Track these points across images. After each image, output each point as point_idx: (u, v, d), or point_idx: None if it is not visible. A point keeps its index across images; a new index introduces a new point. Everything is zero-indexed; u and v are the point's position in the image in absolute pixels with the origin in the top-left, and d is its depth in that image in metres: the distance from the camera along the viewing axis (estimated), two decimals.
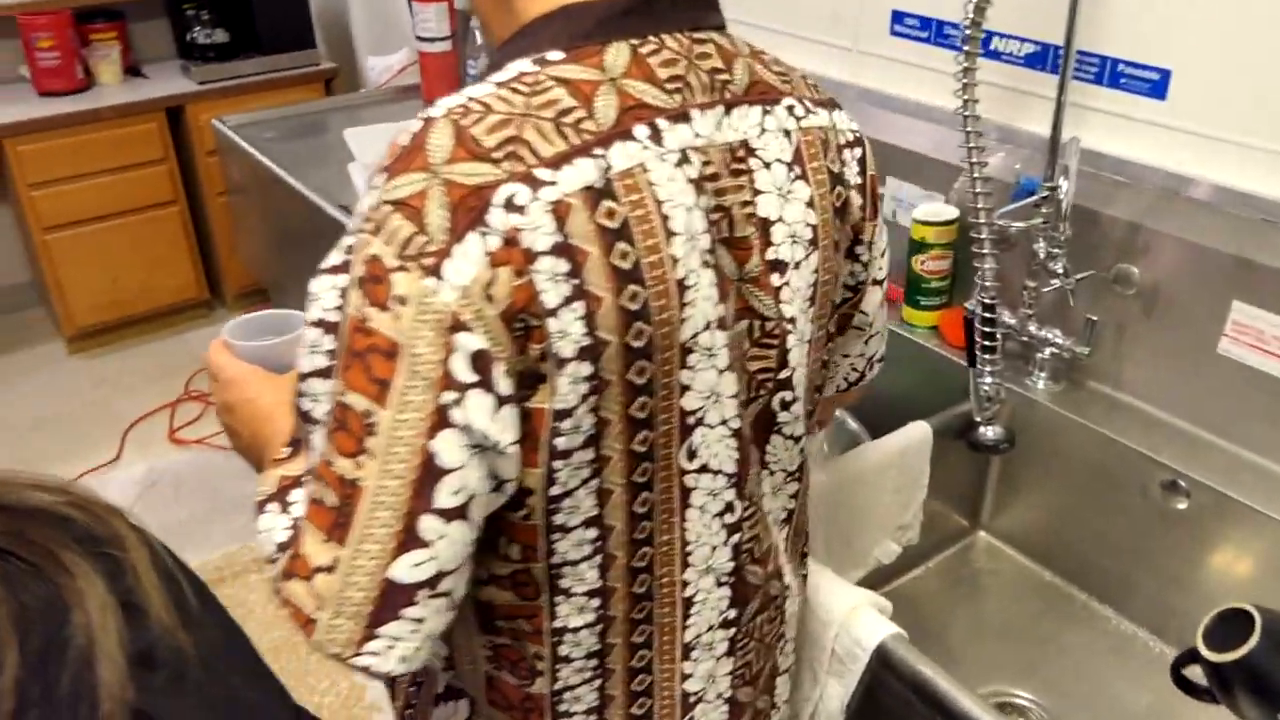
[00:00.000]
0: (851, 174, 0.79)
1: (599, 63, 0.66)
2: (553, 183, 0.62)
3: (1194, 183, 1.28)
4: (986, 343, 1.34)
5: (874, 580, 1.40)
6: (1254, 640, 0.83)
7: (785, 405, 0.79)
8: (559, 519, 0.69)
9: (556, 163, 0.62)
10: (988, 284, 1.32)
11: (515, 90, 0.65)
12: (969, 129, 1.29)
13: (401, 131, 0.65)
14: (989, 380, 1.36)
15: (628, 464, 0.70)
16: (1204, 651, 0.85)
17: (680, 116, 0.67)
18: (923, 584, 1.47)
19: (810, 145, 0.75)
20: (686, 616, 0.79)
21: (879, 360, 0.99)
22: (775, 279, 0.74)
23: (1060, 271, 1.31)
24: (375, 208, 0.62)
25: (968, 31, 1.26)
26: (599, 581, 0.73)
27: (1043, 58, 1.39)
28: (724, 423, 0.74)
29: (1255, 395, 1.25)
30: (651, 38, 0.68)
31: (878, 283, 0.87)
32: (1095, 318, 1.34)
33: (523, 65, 0.66)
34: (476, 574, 0.72)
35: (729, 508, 0.77)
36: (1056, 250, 1.31)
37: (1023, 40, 1.41)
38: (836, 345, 0.92)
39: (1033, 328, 1.39)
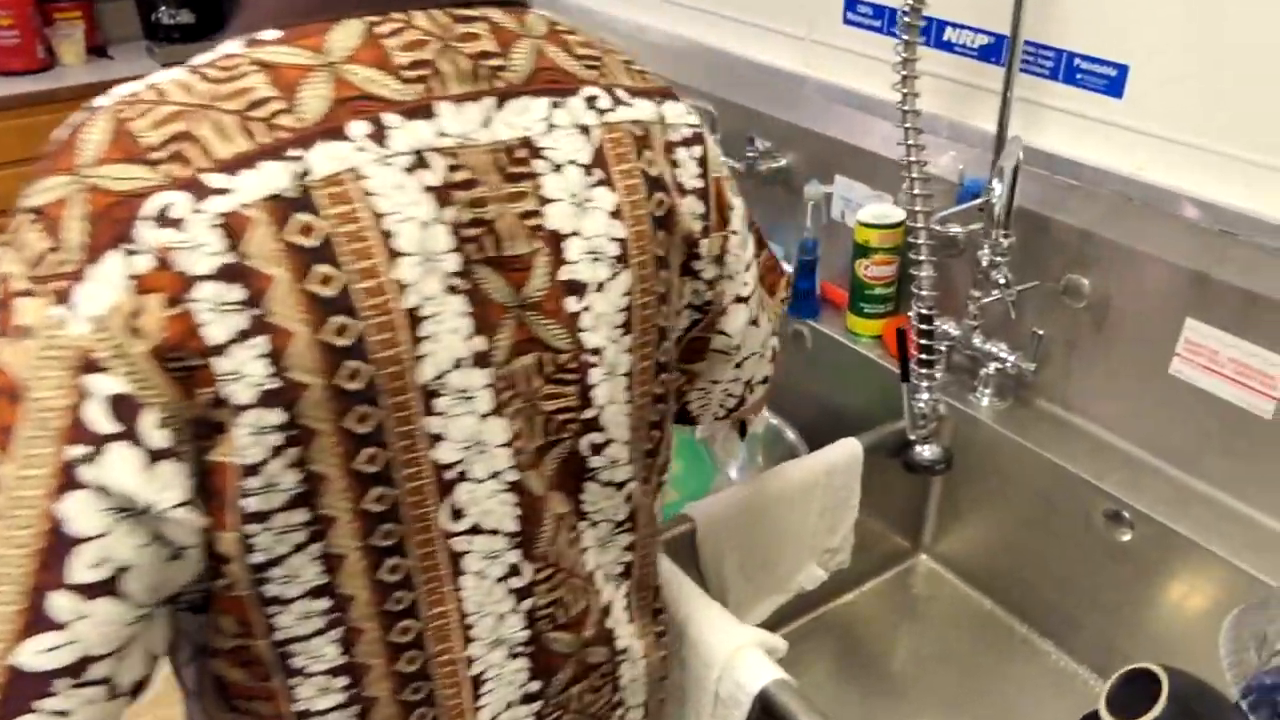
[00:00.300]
0: (686, 176, 0.68)
1: (319, 44, 0.55)
2: (226, 190, 0.51)
3: (1150, 188, 1.18)
4: (924, 356, 1.25)
5: (802, 604, 1.31)
6: (1159, 708, 0.73)
7: (596, 449, 0.68)
8: (271, 590, 0.59)
9: (234, 166, 0.51)
10: (924, 293, 1.22)
11: (204, 76, 0.54)
12: (908, 124, 1.20)
13: (65, 124, 0.55)
14: (925, 397, 1.26)
15: (361, 526, 0.59)
16: (1105, 717, 0.76)
17: (419, 111, 0.56)
18: (858, 608, 1.38)
19: (617, 144, 0.64)
20: (478, 696, 0.69)
21: (761, 383, 0.89)
22: (572, 303, 0.63)
23: (1001, 281, 1.21)
24: (14, 214, 0.52)
25: (907, 19, 1.16)
26: (343, 658, 0.63)
27: (997, 50, 1.29)
28: (496, 476, 0.63)
29: (1207, 420, 1.15)
30: (396, 15, 0.57)
31: (742, 300, 0.77)
32: (1041, 332, 1.24)
33: (232, 46, 0.56)
34: (206, 646, 0.63)
35: (514, 571, 0.67)
36: (999, 258, 1.21)
37: (976, 30, 1.31)
38: (702, 372, 0.82)
39: (977, 340, 1.29)
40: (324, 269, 0.53)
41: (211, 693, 0.65)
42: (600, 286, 0.63)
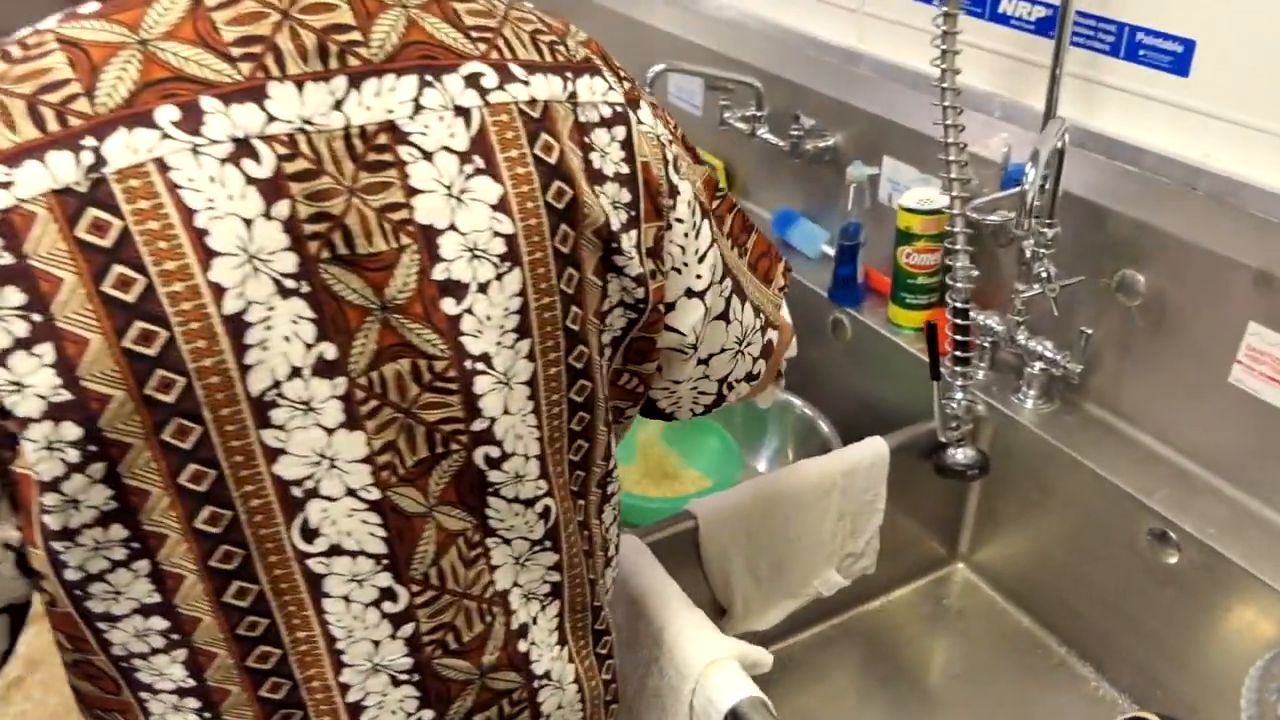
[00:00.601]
0: (605, 162, 0.60)
1: (136, 19, 0.50)
2: (4, 184, 0.47)
3: (1216, 177, 1.07)
4: (959, 353, 1.16)
5: (824, 607, 1.24)
6: None
7: (493, 463, 0.62)
8: (96, 606, 0.55)
9: (15, 157, 0.47)
10: (959, 284, 1.14)
11: (6, 55, 0.50)
12: (947, 103, 1.11)
13: None
14: (960, 396, 1.18)
15: (197, 545, 0.54)
16: None
17: (245, 94, 0.50)
18: (886, 616, 1.30)
19: (504, 128, 0.56)
20: None
21: (745, 380, 0.82)
22: (449, 305, 0.56)
23: (1043, 275, 1.12)
24: None
25: None
26: (191, 681, 0.59)
27: (1055, 23, 1.19)
28: (352, 494, 0.57)
29: (1268, 435, 1.04)
30: None
31: (696, 294, 0.70)
32: (1090, 331, 1.14)
33: (49, 20, 0.51)
34: (61, 657, 0.60)
35: (388, 595, 0.61)
36: (1042, 250, 1.12)
37: (1033, 2, 1.21)
38: (655, 373, 0.75)
39: (1021, 337, 1.20)
40: (123, 270, 0.48)
41: (79, 700, 0.63)
42: (484, 287, 0.57)
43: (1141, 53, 1.11)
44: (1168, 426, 1.14)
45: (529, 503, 0.64)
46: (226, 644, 0.58)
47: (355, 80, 0.53)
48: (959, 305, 1.14)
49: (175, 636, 0.57)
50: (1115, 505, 1.11)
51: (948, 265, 1.15)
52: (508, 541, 0.65)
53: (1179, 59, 1.08)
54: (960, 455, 1.20)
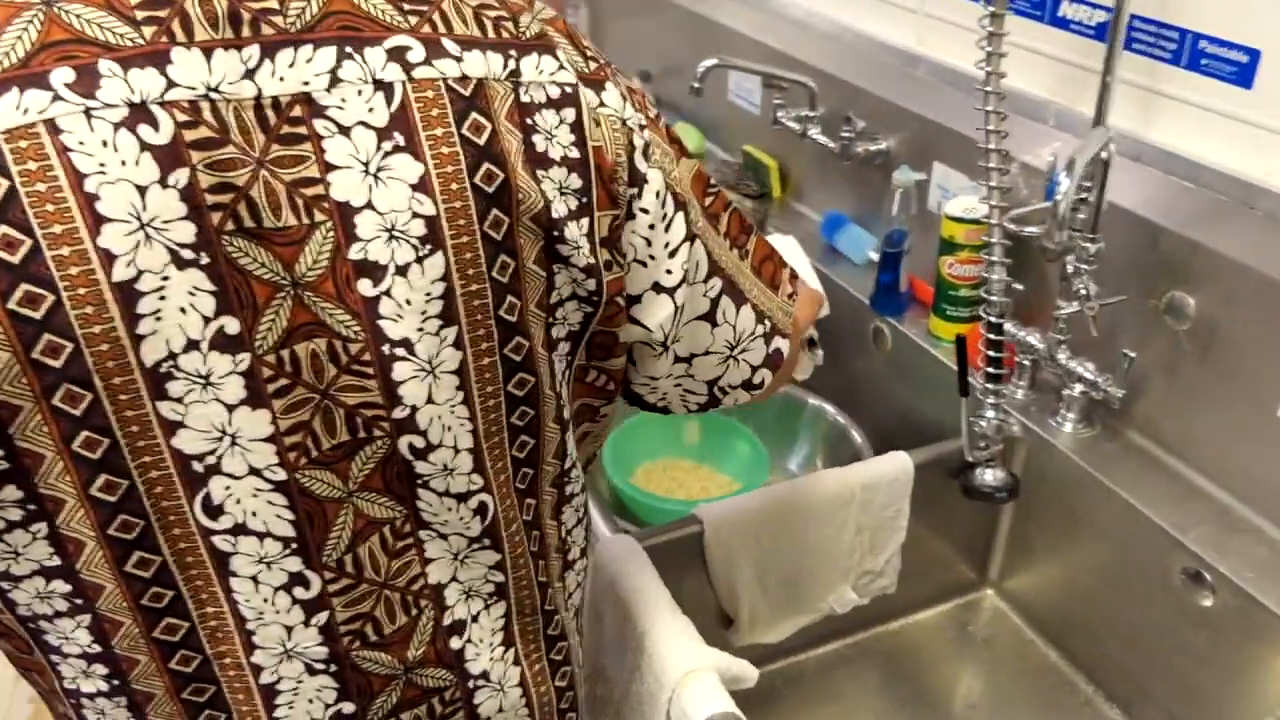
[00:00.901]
0: (551, 145, 0.57)
1: None
2: None
3: (1276, 196, 1.00)
4: (991, 369, 1.11)
5: (842, 624, 1.20)
6: None
7: (419, 453, 0.59)
8: None
9: None
10: (994, 297, 1.09)
11: None
12: (990, 106, 1.06)
13: None
14: (991, 415, 1.13)
15: (94, 512, 0.53)
16: None
17: (148, 58, 0.49)
18: (907, 637, 1.26)
19: (429, 105, 0.54)
20: (273, 708, 0.63)
21: (742, 387, 0.77)
22: (366, 286, 0.54)
23: (1082, 292, 1.06)
24: None
25: None
26: (96, 647, 0.58)
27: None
28: (256, 473, 0.56)
29: None
30: None
31: (666, 290, 0.66)
32: (1134, 354, 1.08)
33: None
34: None
35: (299, 580, 0.59)
36: (1083, 266, 1.06)
37: (1094, 6, 1.15)
38: (626, 369, 0.72)
39: (1061, 357, 1.14)
40: (8, 231, 0.47)
41: (8, 656, 0.63)
42: (403, 270, 0.54)
43: (1204, 62, 1.04)
44: (1211, 460, 1.07)
45: (461, 497, 0.62)
46: (131, 613, 0.57)
47: (269, 50, 0.51)
48: (993, 320, 1.09)
49: (79, 601, 0.57)
50: (1149, 540, 1.05)
51: (982, 277, 1.10)
52: (444, 536, 0.63)
53: (1243, 70, 1.01)
54: (988, 476, 1.14)
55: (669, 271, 0.65)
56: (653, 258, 0.64)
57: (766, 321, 0.76)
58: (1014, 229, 1.08)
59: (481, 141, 0.55)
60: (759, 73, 1.48)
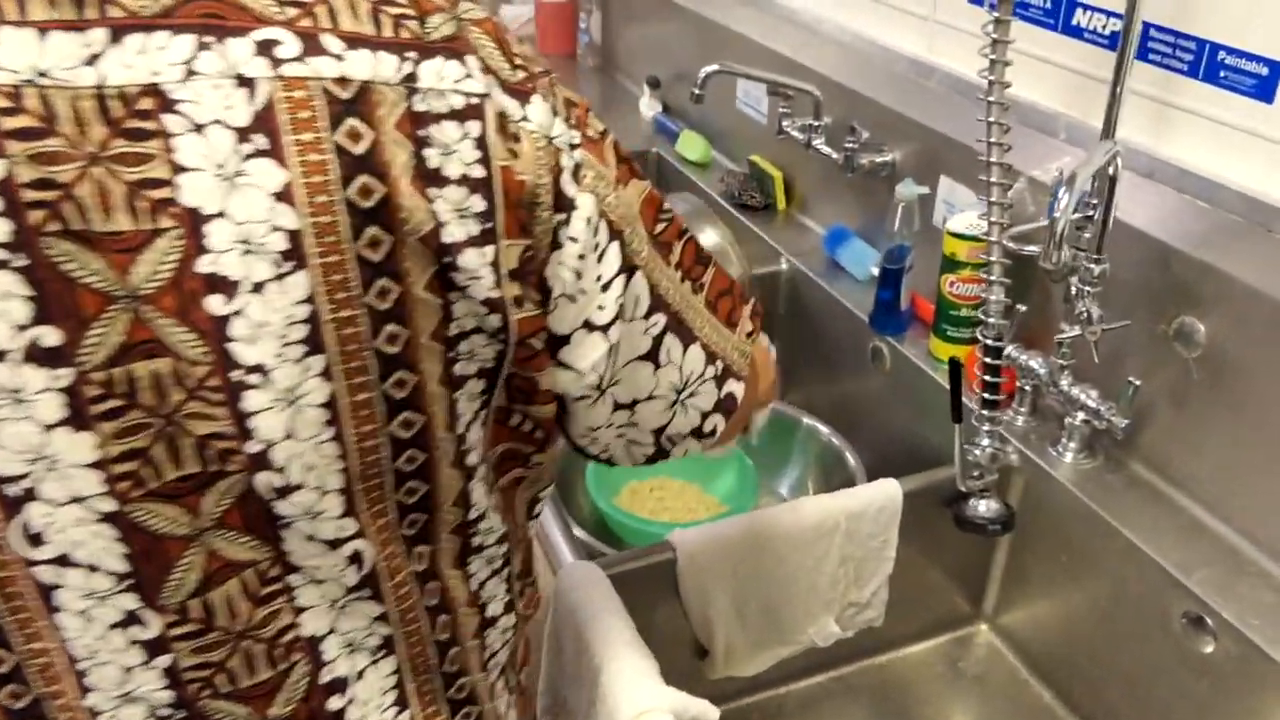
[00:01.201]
0: (447, 162, 0.51)
1: None
2: None
3: None
4: (987, 395, 1.05)
5: (825, 656, 1.14)
6: None
7: (280, 493, 0.53)
8: None
9: None
10: (990, 319, 1.03)
11: None
12: (992, 117, 1.00)
13: None
14: (986, 443, 1.07)
15: None
16: None
17: None
18: (895, 672, 1.20)
19: (298, 106, 0.48)
20: None
21: (692, 435, 0.70)
22: (216, 304, 0.48)
23: (1083, 315, 1.00)
24: None
25: None
26: None
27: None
28: (80, 501, 0.50)
29: None
30: None
31: (599, 329, 0.58)
32: (1138, 381, 1.02)
33: None
34: None
35: (134, 619, 0.54)
36: (1087, 287, 1.00)
37: (1109, 14, 1.09)
38: (572, 421, 0.65)
39: (1064, 383, 1.08)
40: None
41: None
42: (259, 287, 0.49)
43: (1222, 74, 0.98)
44: (1219, 496, 1.01)
45: (332, 544, 0.56)
46: None
47: (117, 34, 0.46)
48: (990, 342, 1.03)
49: None
50: (1150, 580, 0.99)
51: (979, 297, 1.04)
52: (318, 582, 0.57)
53: (1264, 83, 0.95)
54: (982, 508, 1.09)
55: (601, 308, 0.58)
56: (583, 292, 0.57)
57: (719, 362, 0.68)
58: (1014, 247, 1.02)
59: (359, 151, 0.49)
60: (762, 80, 1.43)
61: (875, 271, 1.39)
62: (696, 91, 1.41)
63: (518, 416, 0.61)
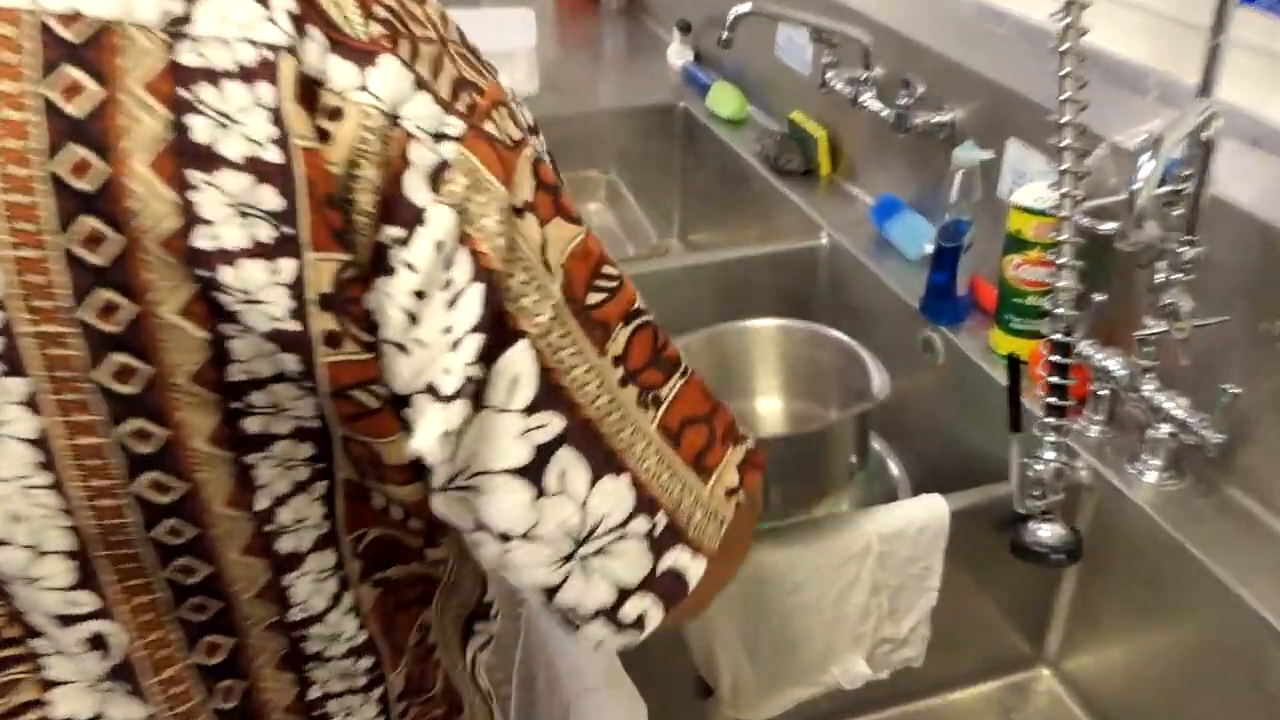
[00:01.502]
0: (229, 137, 0.37)
1: None
2: None
3: None
4: (1053, 400, 0.89)
5: (853, 699, 0.99)
6: None
7: None
8: None
9: None
10: (1060, 310, 0.86)
11: None
12: (1066, 69, 0.83)
13: None
14: (1050, 457, 0.90)
15: None
16: None
17: None
18: (941, 719, 1.04)
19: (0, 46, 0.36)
20: None
21: (598, 617, 0.48)
22: None
23: (1171, 308, 0.83)
24: None
25: None
26: None
27: None
28: None
29: None
30: None
31: (442, 400, 0.42)
32: (1237, 389, 0.84)
33: None
34: None
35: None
36: (1176, 275, 0.83)
37: None
38: (426, 512, 0.47)
39: (1147, 388, 0.91)
40: None
41: None
42: None
43: None
44: None
45: (65, 620, 0.45)
46: None
47: None
48: (1058, 338, 0.87)
49: None
50: (1242, 626, 0.82)
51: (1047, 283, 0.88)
52: (69, 656, 0.46)
53: None
54: (1043, 532, 0.92)
55: (447, 371, 0.42)
56: (421, 344, 0.42)
57: (659, 516, 0.48)
58: (1090, 225, 0.85)
59: (74, 112, 0.37)
60: (803, 23, 1.26)
61: (929, 250, 1.21)
62: (725, 35, 1.25)
63: (379, 497, 0.47)
